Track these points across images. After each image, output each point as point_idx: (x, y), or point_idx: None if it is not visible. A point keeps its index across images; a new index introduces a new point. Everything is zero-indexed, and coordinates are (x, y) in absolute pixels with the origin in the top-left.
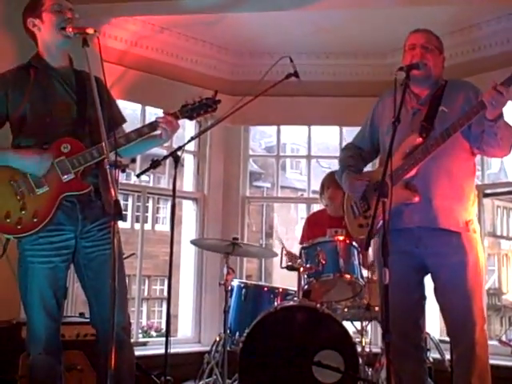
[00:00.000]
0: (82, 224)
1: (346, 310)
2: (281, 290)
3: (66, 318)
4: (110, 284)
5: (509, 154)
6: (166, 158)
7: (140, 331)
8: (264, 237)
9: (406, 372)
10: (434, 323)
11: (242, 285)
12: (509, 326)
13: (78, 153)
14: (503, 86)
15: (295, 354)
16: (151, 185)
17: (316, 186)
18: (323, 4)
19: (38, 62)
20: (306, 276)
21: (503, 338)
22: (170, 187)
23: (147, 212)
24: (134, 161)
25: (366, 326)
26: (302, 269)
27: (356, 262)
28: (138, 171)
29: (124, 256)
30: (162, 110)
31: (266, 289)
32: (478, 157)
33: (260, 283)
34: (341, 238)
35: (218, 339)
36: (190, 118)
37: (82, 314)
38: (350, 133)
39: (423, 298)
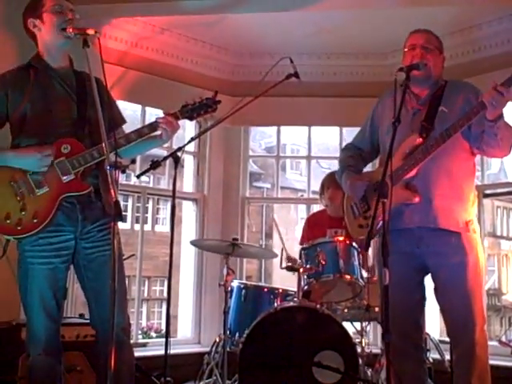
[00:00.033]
0: (82, 225)
1: (345, 310)
2: (281, 290)
3: (65, 318)
4: (109, 285)
5: (509, 154)
6: (165, 158)
7: (140, 332)
8: (264, 237)
9: (405, 372)
10: (433, 323)
11: (242, 285)
12: (509, 327)
13: (78, 153)
14: (503, 86)
15: (295, 354)
16: (151, 185)
17: (316, 186)
18: (324, 4)
19: (37, 62)
20: (305, 277)
21: (503, 339)
22: (170, 188)
23: (147, 213)
24: (133, 161)
25: (366, 327)
26: (301, 269)
27: (356, 263)
28: (137, 172)
29: (124, 257)
30: (162, 111)
31: (265, 289)
32: (478, 157)
33: (260, 284)
34: (341, 238)
35: (217, 340)
36: (190, 119)
37: (81, 315)
38: (350, 133)
39: (423, 298)
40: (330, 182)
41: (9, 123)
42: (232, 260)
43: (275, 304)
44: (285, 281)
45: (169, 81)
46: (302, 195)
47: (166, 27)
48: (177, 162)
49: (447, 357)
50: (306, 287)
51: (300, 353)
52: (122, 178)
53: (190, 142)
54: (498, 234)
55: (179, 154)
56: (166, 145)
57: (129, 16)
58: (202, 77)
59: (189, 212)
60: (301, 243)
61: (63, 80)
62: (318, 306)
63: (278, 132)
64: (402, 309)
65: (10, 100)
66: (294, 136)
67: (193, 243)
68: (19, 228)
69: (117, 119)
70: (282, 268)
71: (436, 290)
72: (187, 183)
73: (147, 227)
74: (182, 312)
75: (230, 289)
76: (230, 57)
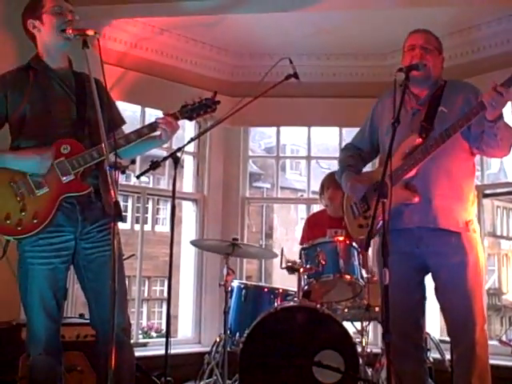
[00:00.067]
0: (82, 225)
1: (346, 310)
2: (281, 290)
3: (66, 318)
4: (109, 285)
5: (508, 154)
6: (165, 159)
7: (140, 332)
8: (264, 237)
9: (406, 372)
10: (434, 323)
11: (242, 285)
12: (509, 326)
13: (78, 154)
14: (503, 86)
15: (295, 354)
16: (151, 186)
17: (316, 186)
18: (323, 5)
19: (37, 63)
20: (305, 277)
21: (503, 338)
22: (170, 188)
23: (147, 213)
24: (133, 162)
25: (367, 327)
26: (301, 269)
27: (356, 263)
28: (137, 172)
29: (124, 257)
30: (161, 112)
31: (265, 289)
32: (478, 157)
33: (260, 284)
34: (341, 238)
35: (218, 340)
36: (190, 119)
37: (81, 315)
38: (350, 134)
39: (423, 298)
40: (330, 182)
41: (8, 124)
42: (232, 260)
43: (275, 304)
44: (285, 281)
45: (168, 82)
46: (301, 195)
47: (166, 28)
48: (176, 162)
49: (448, 356)
50: (306, 287)
51: (300, 352)
52: (121, 179)
53: (189, 142)
54: (498, 233)
55: (179, 154)
56: (165, 145)
57: (129, 17)
58: (201, 77)
59: (189, 212)
60: (301, 243)
61: (62, 81)
62: (318, 305)
63: (278, 132)
64: (402, 309)
65: (9, 101)
66: (293, 136)
67: (193, 243)
68: (19, 228)
69: (116, 120)
70: (282, 268)
71: (436, 289)
72: (187, 183)
73: (147, 227)
74: (183, 312)
75: (230, 289)
76: (229, 57)
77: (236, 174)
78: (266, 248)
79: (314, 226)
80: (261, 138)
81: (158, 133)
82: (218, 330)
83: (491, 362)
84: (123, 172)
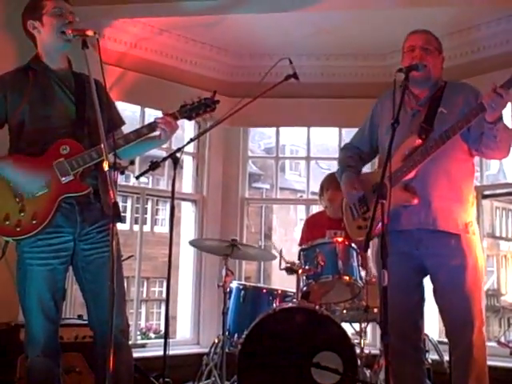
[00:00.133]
0: (81, 226)
1: (344, 311)
2: (279, 291)
3: (64, 320)
4: (108, 286)
5: (507, 156)
6: (165, 159)
7: (139, 333)
8: (263, 238)
9: (404, 374)
10: (433, 324)
11: (241, 286)
12: (507, 327)
13: (77, 154)
14: (503, 88)
15: (294, 355)
16: (150, 186)
17: (315, 187)
18: (323, 5)
19: (36, 64)
20: (304, 278)
21: (502, 340)
22: (169, 189)
23: (146, 214)
24: (132, 162)
25: (365, 328)
26: (300, 270)
27: (355, 264)
28: (137, 173)
29: (122, 258)
30: (161, 112)
31: (264, 290)
32: (477, 158)
33: (259, 285)
34: (340, 239)
35: (216, 341)
36: (189, 119)
37: (80, 316)
38: (350, 134)
39: (422, 299)
40: (330, 183)
41: (7, 125)
42: (231, 261)
43: (274, 305)
44: (284, 282)
45: (168, 82)
46: (301, 196)
47: (165, 28)
48: (176, 162)
49: (446, 358)
50: (304, 288)
51: (299, 354)
52: (120, 179)
53: (189, 142)
54: (497, 234)
55: (178, 154)
56: (165, 146)
57: (129, 17)
58: (201, 78)
59: (188, 213)
60: (300, 244)
61: (62, 81)
62: (317, 306)
63: (277, 133)
64: (401, 310)
65: (9, 101)
66: (293, 137)
67: (192, 243)
68: (18, 229)
69: (116, 120)
70: (281, 269)
71: (435, 291)
72: (186, 184)
73: (146, 228)
74: (181, 313)
75: (228, 290)
76: (229, 58)
77: (235, 175)
78: (264, 249)
79: (313, 227)
80: (260, 138)
81: (157, 133)
82: (216, 331)
83: (489, 363)
84: (122, 173)
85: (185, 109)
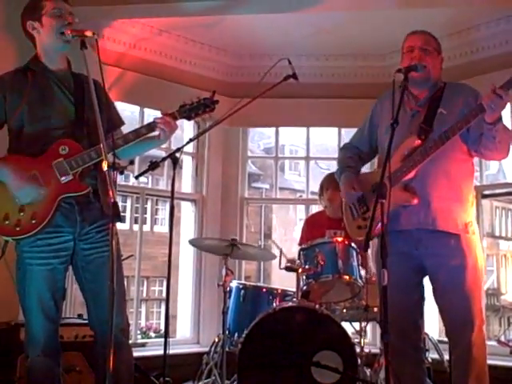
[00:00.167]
0: (81, 226)
1: (344, 310)
2: (279, 290)
3: (64, 319)
4: (108, 286)
5: (506, 157)
6: (164, 159)
7: (139, 332)
8: (263, 238)
9: (404, 373)
10: (433, 323)
11: (241, 286)
12: (507, 327)
13: (77, 154)
14: (502, 89)
15: (294, 354)
16: (150, 186)
17: (315, 187)
18: (323, 6)
19: (35, 64)
20: (304, 277)
21: (502, 339)
22: (169, 189)
23: (146, 213)
24: (132, 162)
25: (365, 327)
26: (300, 270)
27: (355, 263)
28: (136, 173)
29: (122, 257)
30: (160, 112)
31: (264, 290)
32: (477, 158)
33: (259, 284)
34: (339, 239)
35: (216, 340)
36: (188, 118)
37: (80, 316)
38: (349, 134)
39: (422, 298)
40: (329, 183)
41: (7, 125)
42: (231, 260)
43: (274, 304)
44: (284, 281)
45: (167, 82)
46: (300, 196)
47: (165, 29)
48: (175, 162)
49: (446, 357)
50: (304, 287)
51: (299, 353)
52: (120, 179)
53: (188, 142)
54: (497, 234)
55: (178, 154)
56: (164, 146)
57: (129, 17)
58: (200, 78)
59: (187, 213)
60: (300, 244)
61: (61, 82)
62: (317, 306)
63: (277, 133)
64: (401, 309)
65: (8, 102)
66: (292, 137)
67: (191, 243)
68: (18, 229)
69: (115, 121)
70: (280, 268)
71: (434, 291)
72: (186, 184)
73: (146, 228)
74: (181, 312)
75: (228, 289)
76: (228, 58)
77: (235, 175)
78: (264, 248)
79: (313, 227)
80: (260, 138)
81: (156, 133)
82: (216, 330)
83: (489, 362)
84: (122, 172)
85: (184, 109)
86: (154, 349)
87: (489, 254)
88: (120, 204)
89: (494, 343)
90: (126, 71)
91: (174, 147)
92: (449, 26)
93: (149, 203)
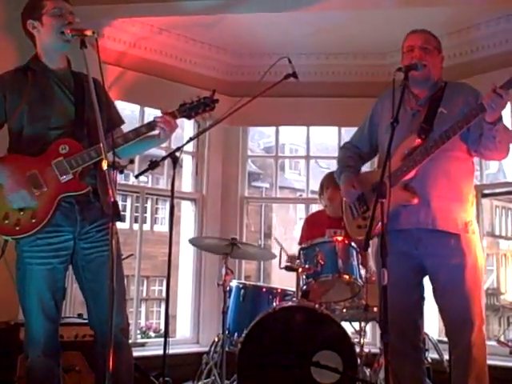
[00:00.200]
0: (81, 225)
1: (344, 310)
2: (279, 290)
3: (64, 318)
4: (108, 285)
5: (506, 157)
6: (164, 158)
7: (138, 332)
8: (263, 237)
9: (404, 373)
10: (432, 323)
11: (241, 285)
12: (507, 326)
13: (77, 154)
14: (503, 88)
15: (294, 354)
16: (150, 185)
17: (315, 186)
18: (323, 5)
19: (36, 64)
20: (304, 276)
21: (502, 339)
22: (169, 188)
23: (146, 213)
24: (132, 162)
25: (365, 327)
26: (300, 269)
27: (355, 263)
28: (136, 172)
29: (122, 257)
30: (160, 111)
31: (264, 289)
32: (476, 158)
33: (258, 284)
34: (339, 238)
35: (216, 340)
36: (188, 118)
37: (80, 315)
38: (349, 133)
39: (422, 298)
40: (329, 182)
41: (7, 124)
42: (231, 260)
43: (274, 304)
44: (283, 281)
45: (167, 81)
46: (300, 195)
47: (165, 28)
48: (175, 161)
49: (446, 357)
50: (304, 287)
51: (298, 353)
52: (120, 178)
53: (188, 142)
54: (497, 233)
55: (178, 154)
56: (164, 145)
57: (129, 17)
58: (200, 77)
59: (187, 212)
60: (300, 243)
61: (61, 81)
62: (317, 305)
63: (277, 132)
64: (400, 309)
65: (8, 101)
66: (292, 136)
67: (191, 242)
68: (18, 228)
69: (115, 120)
70: (280, 268)
71: (434, 291)
72: (186, 183)
73: (146, 227)
74: (181, 312)
75: (228, 289)
76: (228, 57)
77: (235, 174)
78: (264, 248)
79: (313, 226)
80: (260, 137)
81: (156, 132)
82: (216, 329)
83: (489, 362)
84: (121, 172)
85: (184, 108)
86: (153, 348)
87: (489, 253)
88: (120, 203)
89: (493, 343)
90: (126, 70)
91: (174, 146)
92: (449, 24)
93: (149, 202)
